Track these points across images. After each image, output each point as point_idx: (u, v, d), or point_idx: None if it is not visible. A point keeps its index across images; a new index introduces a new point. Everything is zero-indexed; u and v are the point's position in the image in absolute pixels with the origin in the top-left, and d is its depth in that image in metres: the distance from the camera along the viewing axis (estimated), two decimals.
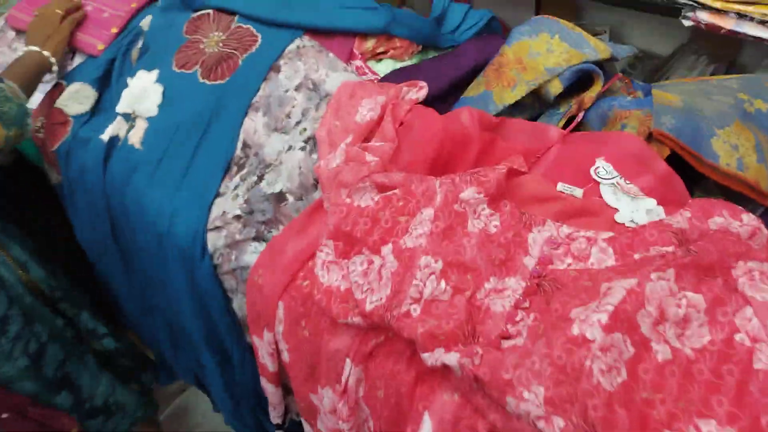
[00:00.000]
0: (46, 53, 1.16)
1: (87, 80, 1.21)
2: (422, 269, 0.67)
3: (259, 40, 1.07)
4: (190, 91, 1.05)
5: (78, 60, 1.29)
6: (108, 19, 1.27)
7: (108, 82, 1.19)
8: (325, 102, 0.97)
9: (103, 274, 1.24)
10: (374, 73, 1.02)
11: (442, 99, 0.94)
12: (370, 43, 1.04)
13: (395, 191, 0.80)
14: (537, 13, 2.05)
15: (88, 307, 1.27)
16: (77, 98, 1.20)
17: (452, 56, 1.00)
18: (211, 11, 1.15)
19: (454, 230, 0.71)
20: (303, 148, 0.93)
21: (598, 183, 0.75)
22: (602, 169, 0.76)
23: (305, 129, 0.95)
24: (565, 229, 0.69)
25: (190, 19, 1.14)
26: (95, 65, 1.22)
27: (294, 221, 0.88)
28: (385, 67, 1.03)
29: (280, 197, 0.91)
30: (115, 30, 1.25)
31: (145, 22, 1.23)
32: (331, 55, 1.02)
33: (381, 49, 1.04)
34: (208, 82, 1.05)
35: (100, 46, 1.25)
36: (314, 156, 0.91)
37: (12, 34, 1.40)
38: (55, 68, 1.18)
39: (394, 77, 0.99)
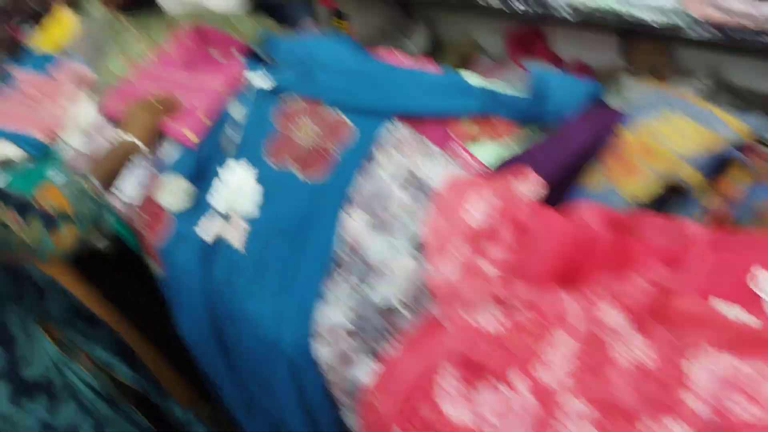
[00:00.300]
0: (139, 143, 1.17)
1: (183, 172, 1.21)
2: (571, 415, 0.60)
3: (353, 129, 1.03)
4: (290, 190, 1.03)
5: (167, 147, 1.30)
6: (199, 109, 1.27)
7: (202, 172, 1.18)
8: (428, 197, 0.91)
9: (206, 368, 1.22)
10: (474, 158, 0.95)
11: (554, 187, 0.87)
12: (466, 125, 0.98)
13: (521, 310, 0.74)
14: (625, 58, 1.95)
15: (179, 398, 1.26)
16: (173, 191, 1.20)
17: (560, 138, 0.93)
18: (298, 98, 1.12)
19: (598, 362, 0.64)
20: (413, 255, 0.87)
21: (761, 298, 0.65)
22: (763, 279, 0.66)
23: (411, 230, 0.90)
24: (733, 361, 0.60)
25: (279, 106, 1.12)
26: (190, 157, 1.22)
27: (409, 339, 0.82)
28: (484, 150, 0.97)
29: (392, 310, 0.86)
30: (205, 119, 1.25)
31: (234, 110, 1.22)
32: (428, 142, 0.96)
33: (478, 131, 0.98)
34: (308, 182, 1.02)
35: (192, 137, 1.25)
36: (426, 265, 0.86)
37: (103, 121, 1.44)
38: (146, 155, 1.19)
39: (506, 166, 0.93)
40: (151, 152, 1.19)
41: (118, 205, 1.31)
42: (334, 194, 0.98)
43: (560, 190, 0.87)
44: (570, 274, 0.76)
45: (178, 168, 1.22)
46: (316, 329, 0.92)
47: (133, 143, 1.16)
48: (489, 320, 0.75)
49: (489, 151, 0.96)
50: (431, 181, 0.92)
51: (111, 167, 1.10)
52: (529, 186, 0.82)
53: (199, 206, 1.17)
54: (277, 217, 1.01)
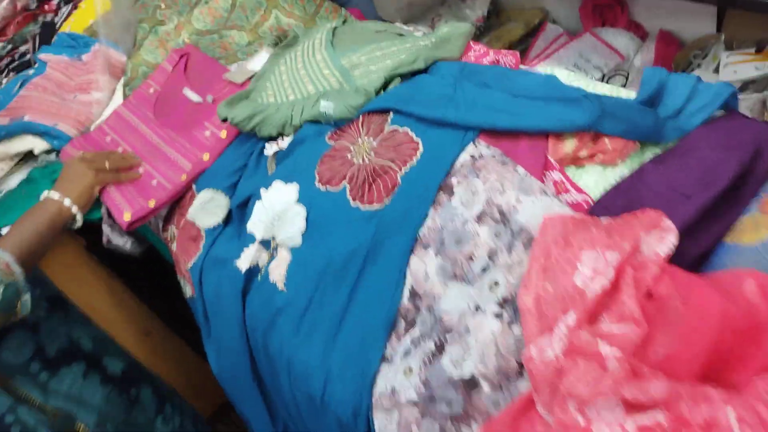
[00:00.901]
0: (67, 203, 1.03)
1: (220, 187, 1.05)
2: None
3: (420, 148, 0.84)
4: (340, 217, 0.84)
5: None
6: (156, 188, 1.12)
7: (241, 191, 1.02)
8: (520, 240, 0.72)
9: (242, 408, 1.08)
10: (579, 189, 0.75)
11: (690, 235, 0.67)
12: (569, 145, 0.78)
13: (656, 416, 0.55)
14: (718, 29, 1.69)
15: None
16: (209, 209, 1.05)
17: (694, 164, 0.72)
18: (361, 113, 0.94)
19: None
20: (498, 315, 0.69)
21: None
22: None
23: (496, 283, 0.71)
24: None
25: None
26: (227, 171, 1.05)
27: (494, 423, 0.65)
28: (592, 178, 0.77)
29: (470, 383, 0.68)
30: (152, 204, 1.10)
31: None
32: (520, 169, 0.76)
33: (584, 153, 0.77)
34: (361, 207, 0.84)
35: (127, 216, 1.11)
36: (515, 329, 0.67)
37: None
38: (78, 223, 1.06)
39: (612, 199, 0.73)
40: (83, 217, 1.06)
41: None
42: (397, 227, 0.80)
43: (696, 240, 0.67)
44: (724, 369, 0.57)
45: (215, 182, 1.06)
46: (375, 395, 0.76)
47: (60, 203, 1.02)
48: (611, 424, 0.56)
49: (598, 179, 0.76)
50: (525, 221, 0.72)
51: (30, 237, 0.95)
52: (663, 237, 0.62)
53: (236, 229, 1.01)
54: (323, 250, 0.84)
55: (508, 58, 1.00)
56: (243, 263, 0.92)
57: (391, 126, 0.88)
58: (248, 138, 1.07)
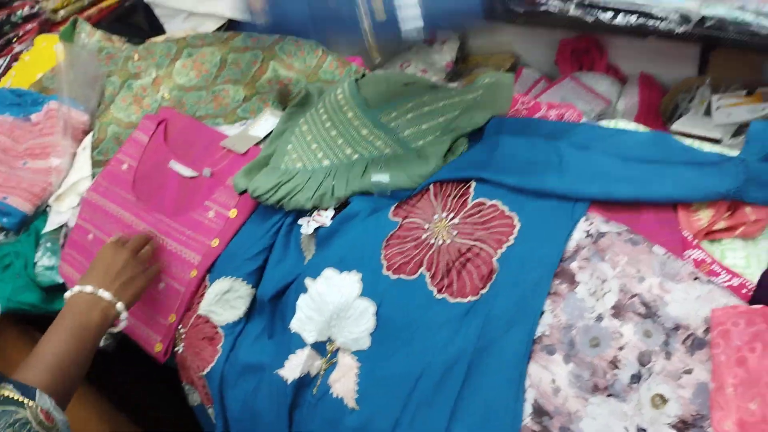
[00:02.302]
0: (108, 296, 0.77)
1: (239, 274, 0.86)
2: None
3: (517, 224, 0.69)
4: (424, 314, 0.68)
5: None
6: (166, 295, 0.91)
7: (274, 282, 0.83)
8: (678, 340, 0.58)
9: None
10: (730, 271, 0.63)
11: None
12: (703, 215, 0.66)
13: None
14: (701, 71, 1.69)
15: None
16: (228, 301, 0.86)
17: None
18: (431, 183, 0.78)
19: None
20: None
21: None
22: None
23: (662, 398, 0.57)
24: None
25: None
26: (247, 254, 0.87)
27: None
28: (739, 255, 0.65)
29: None
30: (173, 319, 0.90)
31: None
32: (657, 249, 0.63)
33: (721, 225, 0.66)
34: (449, 299, 0.68)
35: (159, 347, 0.90)
36: None
37: None
38: (123, 323, 0.80)
39: None
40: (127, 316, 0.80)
41: None
42: (508, 324, 0.64)
43: None
44: None
45: (233, 269, 0.87)
46: None
47: (99, 299, 0.76)
48: None
49: (748, 256, 0.64)
50: (681, 315, 0.59)
51: (64, 358, 0.68)
52: None
53: (266, 327, 0.83)
54: (413, 358, 0.67)
55: (569, 111, 0.88)
56: (290, 373, 0.73)
57: (476, 198, 0.73)
58: (271, 212, 0.89)
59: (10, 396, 0.59)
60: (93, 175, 1.12)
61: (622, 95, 1.91)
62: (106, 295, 0.77)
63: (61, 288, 1.06)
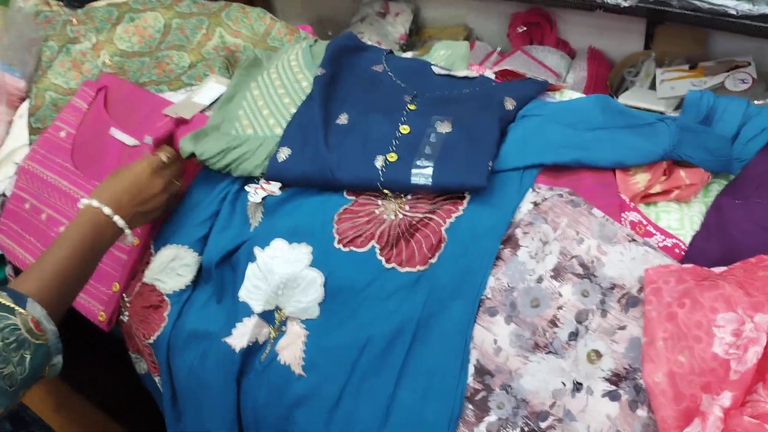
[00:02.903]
0: (122, 223, 0.75)
1: (185, 241, 0.84)
2: None
3: (466, 195, 0.70)
4: (373, 284, 0.68)
5: None
6: (109, 264, 0.89)
7: (220, 248, 0.82)
8: (614, 298, 0.61)
9: None
10: (665, 232, 0.65)
11: None
12: (640, 179, 0.68)
13: None
14: (647, 45, 1.73)
15: None
16: (174, 269, 0.84)
17: None
18: None
19: None
20: (612, 395, 0.57)
21: None
22: None
23: (597, 353, 0.59)
24: None
25: None
26: (194, 221, 0.85)
27: None
28: (673, 217, 0.67)
29: None
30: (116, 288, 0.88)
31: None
32: (596, 211, 0.65)
33: (657, 188, 0.68)
34: (399, 269, 0.69)
35: (102, 317, 0.88)
36: (640, 412, 0.55)
37: None
38: (129, 239, 0.78)
39: (705, 242, 0.63)
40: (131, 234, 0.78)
41: None
42: (454, 291, 0.65)
43: None
44: None
45: (180, 237, 0.85)
46: None
47: (105, 216, 0.74)
48: None
49: (681, 218, 0.67)
50: (616, 275, 0.61)
51: (68, 273, 0.68)
52: None
53: (214, 293, 0.82)
54: (360, 326, 0.68)
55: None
56: (238, 341, 0.73)
57: None
58: (217, 179, 0.87)
59: (3, 302, 0.60)
60: (30, 143, 1.07)
61: (571, 69, 1.94)
62: (120, 222, 0.75)
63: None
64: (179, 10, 1.17)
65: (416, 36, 2.22)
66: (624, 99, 1.52)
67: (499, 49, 1.85)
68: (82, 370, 1.30)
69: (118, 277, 0.86)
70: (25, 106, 1.14)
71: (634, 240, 0.62)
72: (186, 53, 1.12)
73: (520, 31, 1.87)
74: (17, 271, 1.03)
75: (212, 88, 1.00)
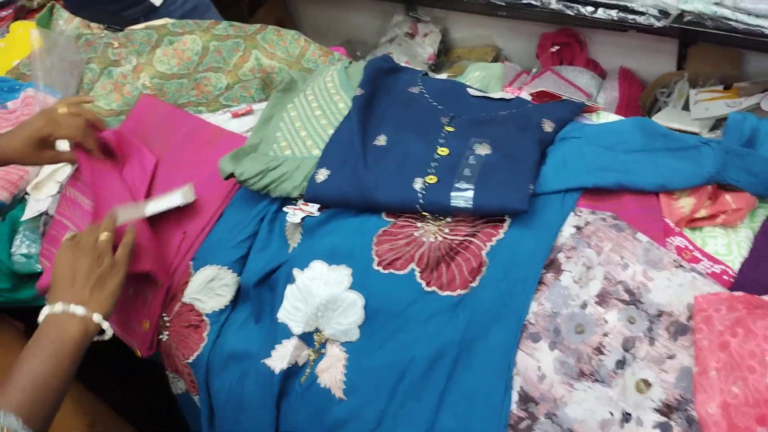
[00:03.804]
0: (81, 310, 0.69)
1: (224, 262, 0.85)
2: None
3: (506, 218, 0.70)
4: (414, 307, 0.68)
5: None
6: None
7: (258, 268, 0.83)
8: (662, 326, 0.60)
9: None
10: (712, 258, 0.64)
11: None
12: (684, 203, 0.67)
13: None
14: (680, 66, 1.72)
15: None
16: (213, 289, 0.85)
17: None
18: None
19: None
20: (664, 427, 0.55)
21: None
22: None
23: (646, 382, 0.58)
24: None
25: None
26: (232, 241, 0.86)
27: None
28: (720, 242, 0.66)
29: None
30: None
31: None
32: (641, 236, 0.64)
33: (703, 213, 0.67)
34: (439, 292, 0.68)
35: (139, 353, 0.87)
36: None
37: None
38: (108, 334, 0.74)
39: (755, 269, 0.62)
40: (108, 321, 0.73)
41: None
42: (496, 316, 0.65)
43: None
44: None
45: (218, 256, 0.86)
46: None
47: (72, 316, 0.69)
48: None
49: (729, 244, 0.66)
50: (663, 302, 0.60)
51: (49, 383, 0.64)
52: None
53: (252, 314, 0.82)
54: (401, 349, 0.67)
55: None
56: (277, 363, 0.73)
57: None
58: (256, 200, 0.88)
59: None
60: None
61: (602, 89, 1.93)
62: (79, 310, 0.70)
63: (35, 276, 1.05)
64: (216, 33, 1.19)
65: (445, 56, 2.23)
66: (657, 120, 1.51)
67: (534, 70, 1.85)
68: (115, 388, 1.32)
69: (146, 314, 0.87)
70: None
71: (681, 266, 0.61)
72: (223, 75, 1.14)
73: (553, 51, 1.86)
74: None
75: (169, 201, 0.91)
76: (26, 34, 1.42)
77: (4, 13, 1.61)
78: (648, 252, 0.63)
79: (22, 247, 1.05)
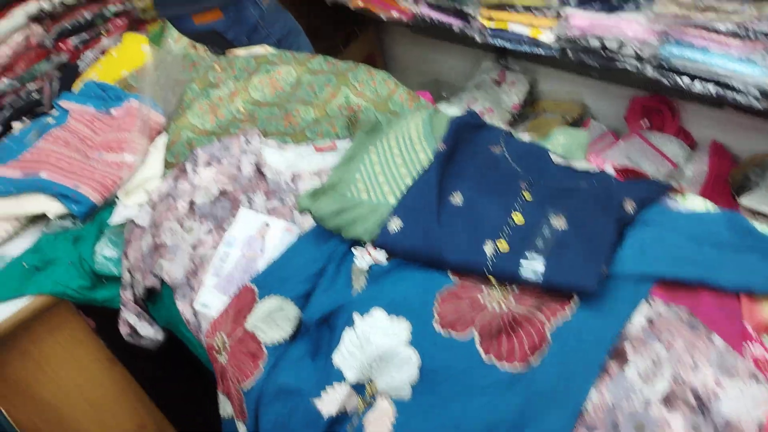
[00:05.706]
0: None
1: (290, 294, 0.87)
2: None
3: (575, 298, 0.69)
4: (470, 375, 0.68)
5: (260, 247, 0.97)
6: None
7: (320, 308, 0.84)
8: None
9: None
10: None
11: None
12: (766, 308, 0.64)
13: None
14: None
15: None
16: (275, 320, 0.87)
17: None
18: None
19: None
20: None
21: None
22: None
23: None
24: None
25: None
26: (301, 276, 0.88)
27: None
28: None
29: None
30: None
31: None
32: (716, 339, 0.62)
33: None
34: (498, 365, 0.68)
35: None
36: None
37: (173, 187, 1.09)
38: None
39: None
40: None
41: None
42: (552, 400, 0.63)
43: None
44: None
45: (284, 287, 0.88)
46: None
47: None
48: None
49: None
50: (732, 415, 0.57)
51: None
52: None
53: (308, 350, 0.84)
54: (451, 417, 0.67)
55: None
56: (327, 407, 0.74)
57: None
58: (327, 237, 0.90)
59: None
60: (164, 176, 1.16)
61: (690, 161, 1.87)
62: None
63: (112, 279, 1.11)
64: (311, 67, 1.24)
65: (530, 107, 2.22)
66: (747, 201, 1.45)
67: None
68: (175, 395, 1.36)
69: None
70: (161, 140, 1.23)
71: (756, 377, 0.58)
72: (312, 108, 1.18)
73: (645, 126, 1.81)
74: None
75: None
76: (136, 47, 1.52)
77: (119, 22, 1.73)
78: (722, 357, 0.60)
79: (105, 249, 1.11)
